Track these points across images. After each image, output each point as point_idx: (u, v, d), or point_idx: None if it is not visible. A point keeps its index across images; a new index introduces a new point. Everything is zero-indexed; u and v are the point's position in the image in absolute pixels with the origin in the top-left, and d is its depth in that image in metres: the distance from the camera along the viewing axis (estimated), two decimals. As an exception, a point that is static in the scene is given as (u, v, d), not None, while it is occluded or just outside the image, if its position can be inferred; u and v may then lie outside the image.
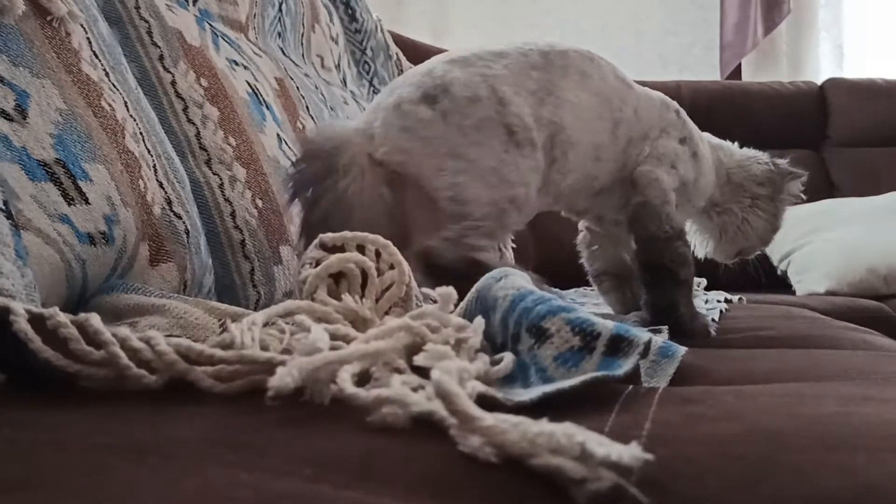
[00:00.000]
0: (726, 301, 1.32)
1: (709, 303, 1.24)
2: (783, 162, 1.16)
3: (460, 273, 0.76)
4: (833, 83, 2.46)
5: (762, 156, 1.17)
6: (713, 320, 0.99)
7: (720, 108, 2.39)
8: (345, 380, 0.34)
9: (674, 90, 2.41)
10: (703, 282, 1.65)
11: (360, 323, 0.47)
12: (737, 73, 2.89)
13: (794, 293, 1.95)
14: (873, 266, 1.86)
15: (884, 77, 2.44)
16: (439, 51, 2.05)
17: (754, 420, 0.35)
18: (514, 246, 1.75)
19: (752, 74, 2.88)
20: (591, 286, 1.48)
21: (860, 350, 0.78)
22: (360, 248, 0.51)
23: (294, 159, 0.85)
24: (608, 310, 1.12)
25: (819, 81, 2.51)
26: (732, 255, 1.17)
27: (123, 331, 0.39)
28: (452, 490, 0.27)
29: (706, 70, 2.90)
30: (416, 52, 1.86)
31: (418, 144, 0.82)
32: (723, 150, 1.15)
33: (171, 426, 0.33)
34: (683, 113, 1.09)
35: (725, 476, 0.29)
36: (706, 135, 1.14)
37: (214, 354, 0.39)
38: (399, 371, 0.39)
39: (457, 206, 0.82)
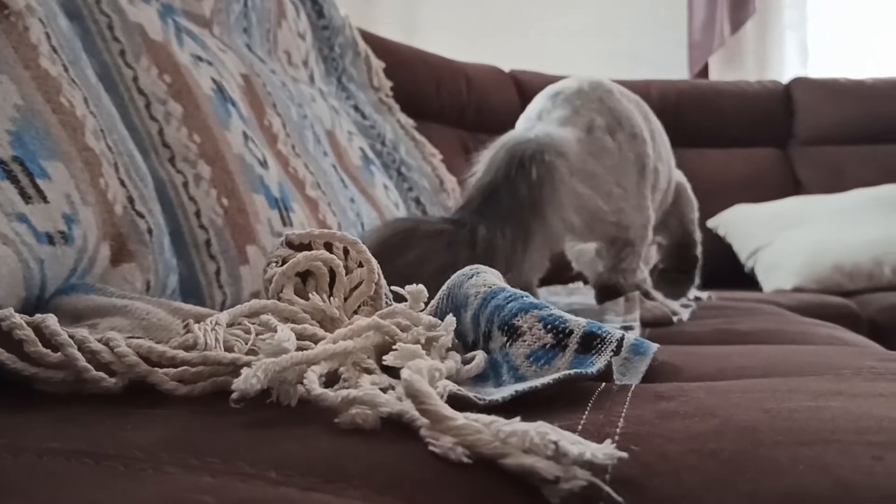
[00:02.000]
0: (696, 299, 1.33)
1: (679, 300, 1.24)
2: None
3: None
4: (799, 82, 2.49)
5: None
6: (682, 319, 1.00)
7: (688, 107, 2.41)
8: (312, 380, 0.33)
9: (643, 89, 2.42)
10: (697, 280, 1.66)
11: (328, 322, 0.46)
12: (704, 71, 2.91)
13: (761, 290, 1.97)
14: (838, 263, 1.89)
15: (848, 76, 2.47)
16: (409, 49, 2.05)
17: (727, 416, 0.35)
18: (485, 244, 1.75)
19: (720, 73, 2.91)
20: (563, 285, 1.50)
21: (828, 345, 0.79)
22: (328, 246, 0.50)
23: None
24: (579, 307, 1.12)
25: (784, 80, 2.54)
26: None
27: (82, 332, 0.38)
28: (423, 491, 0.26)
29: (675, 69, 2.93)
30: (386, 50, 1.85)
31: (601, 170, 0.96)
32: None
33: (132, 430, 0.32)
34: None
35: (700, 473, 0.28)
36: None
37: (177, 356, 0.37)
38: (368, 371, 0.38)
39: (621, 230, 0.98)
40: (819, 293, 1.82)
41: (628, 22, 3.02)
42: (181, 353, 0.38)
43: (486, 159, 0.97)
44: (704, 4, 2.87)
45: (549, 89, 1.09)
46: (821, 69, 2.83)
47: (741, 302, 1.48)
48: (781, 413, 0.35)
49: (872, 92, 2.41)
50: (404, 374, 0.30)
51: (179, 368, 0.38)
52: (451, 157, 1.85)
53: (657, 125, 1.13)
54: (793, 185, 2.35)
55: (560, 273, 1.48)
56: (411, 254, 0.83)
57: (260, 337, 0.41)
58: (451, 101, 2.12)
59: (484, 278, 0.49)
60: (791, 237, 2.01)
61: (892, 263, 1.88)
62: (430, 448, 0.29)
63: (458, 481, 0.27)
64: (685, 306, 1.14)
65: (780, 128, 2.45)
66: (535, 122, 1.02)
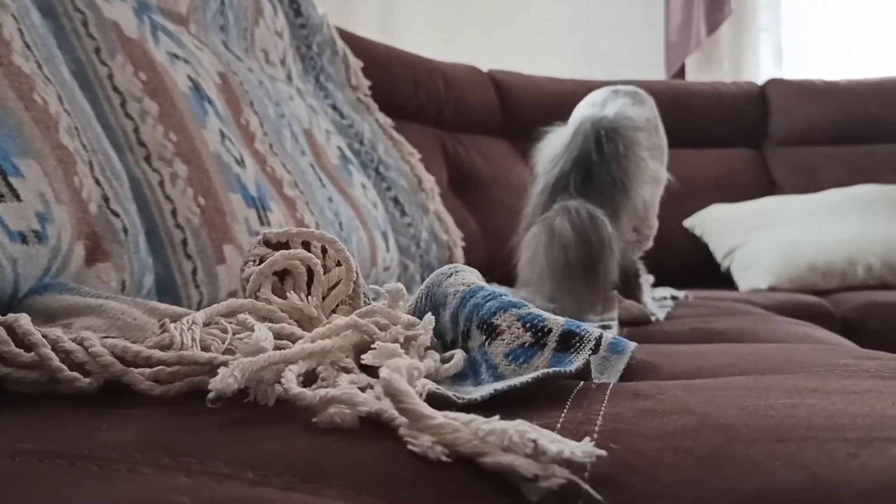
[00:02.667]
0: (672, 298, 1.34)
1: (657, 299, 1.25)
2: None
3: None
4: (774, 83, 2.51)
5: None
6: (659, 318, 1.01)
7: (665, 108, 2.41)
8: (290, 380, 0.33)
9: (619, 89, 2.44)
10: (651, 278, 1.67)
11: (306, 321, 0.46)
12: (681, 72, 2.93)
13: (737, 289, 1.99)
14: (812, 262, 1.91)
15: (822, 77, 2.50)
16: (387, 48, 2.04)
17: (704, 413, 0.35)
18: (465, 244, 1.75)
19: (696, 74, 2.93)
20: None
21: (803, 343, 0.79)
22: (306, 245, 0.49)
23: None
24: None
25: (759, 81, 2.56)
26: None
27: (55, 332, 0.37)
28: (402, 491, 0.26)
29: (651, 70, 2.94)
30: (364, 49, 1.85)
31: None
32: None
33: (106, 430, 0.32)
34: None
35: (677, 470, 0.29)
36: None
37: (152, 356, 0.37)
38: (347, 370, 0.38)
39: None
40: (794, 292, 1.84)
41: (605, 22, 3.03)
42: (157, 353, 0.37)
43: (563, 136, 0.97)
44: (681, 6, 2.89)
45: (607, 88, 1.13)
46: (795, 71, 2.86)
47: (717, 301, 1.50)
48: (757, 410, 0.36)
49: (846, 93, 2.43)
50: (383, 372, 0.30)
51: (155, 368, 0.37)
52: (429, 157, 1.85)
53: None
54: (768, 186, 2.37)
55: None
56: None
57: (237, 336, 0.41)
58: (429, 101, 2.12)
59: (463, 277, 0.49)
60: (766, 237, 2.03)
61: (864, 263, 1.91)
62: (409, 447, 0.29)
63: (437, 480, 0.27)
64: (662, 306, 1.15)
65: (755, 128, 2.47)
66: (601, 107, 1.02)
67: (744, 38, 2.96)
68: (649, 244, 1.10)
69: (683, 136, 2.44)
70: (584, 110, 1.05)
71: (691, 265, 2.12)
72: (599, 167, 0.92)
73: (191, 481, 0.25)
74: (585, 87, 2.41)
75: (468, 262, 1.27)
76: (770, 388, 0.43)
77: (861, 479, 0.26)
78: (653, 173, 0.99)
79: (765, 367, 0.52)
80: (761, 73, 2.87)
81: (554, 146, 0.99)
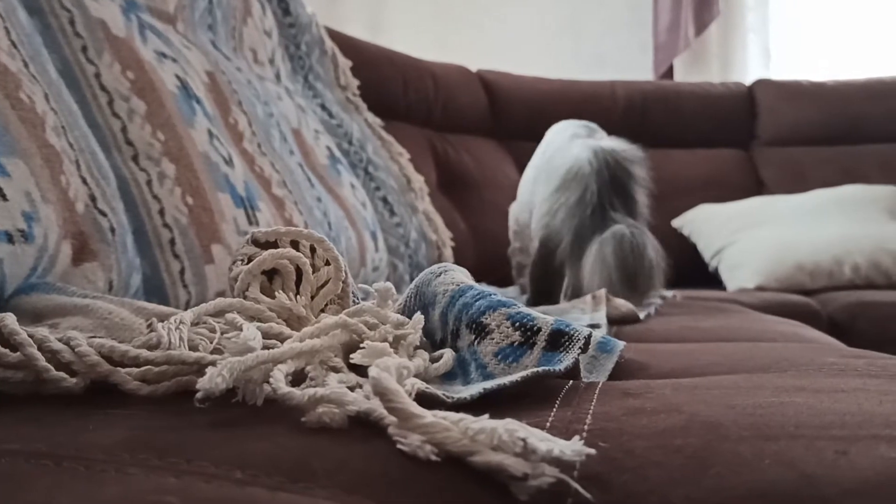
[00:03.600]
0: (661, 297, 1.34)
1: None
2: None
3: None
4: (761, 84, 2.52)
5: None
6: (649, 314, 1.01)
7: (654, 108, 2.44)
8: (278, 379, 0.33)
9: (608, 90, 2.45)
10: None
11: (295, 321, 0.46)
12: (669, 73, 2.94)
13: (725, 289, 1.99)
14: (800, 262, 1.92)
15: (809, 78, 2.51)
16: (376, 48, 2.04)
17: (693, 412, 0.35)
18: (454, 244, 1.75)
19: (684, 75, 2.94)
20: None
21: (791, 342, 0.80)
22: (294, 244, 0.49)
23: None
24: (547, 307, 1.12)
25: (747, 82, 2.57)
26: None
27: (42, 332, 0.37)
28: (391, 490, 0.26)
29: (640, 70, 2.95)
30: (353, 49, 1.84)
31: None
32: None
33: (93, 431, 0.32)
34: None
35: (666, 468, 0.29)
36: None
37: (140, 355, 0.37)
38: (336, 370, 0.38)
39: None
40: (781, 292, 1.85)
41: (594, 23, 3.04)
42: (144, 353, 0.37)
43: (580, 159, 1.12)
44: (669, 7, 2.90)
45: (569, 122, 1.30)
46: (783, 72, 2.87)
47: (706, 301, 1.50)
48: (746, 409, 0.36)
49: (833, 94, 2.45)
50: (372, 371, 0.30)
51: (142, 368, 0.37)
52: (418, 157, 1.84)
53: None
54: (756, 186, 2.38)
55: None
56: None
57: (225, 336, 0.40)
58: (418, 101, 2.11)
59: (452, 276, 0.49)
60: (754, 237, 2.03)
61: (851, 263, 1.92)
62: (399, 446, 0.29)
63: (426, 479, 0.27)
64: (649, 305, 1.15)
65: (743, 129, 2.48)
66: (578, 139, 1.19)
67: (732, 39, 2.97)
68: None
69: (672, 136, 2.46)
70: (578, 140, 1.18)
71: (679, 265, 2.11)
72: (635, 191, 1.11)
73: (179, 481, 0.25)
74: (574, 88, 2.43)
75: (457, 262, 1.26)
76: (758, 386, 0.43)
77: (849, 478, 0.26)
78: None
79: (753, 366, 0.52)
80: (749, 73, 2.88)
81: (568, 165, 1.13)
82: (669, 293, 1.49)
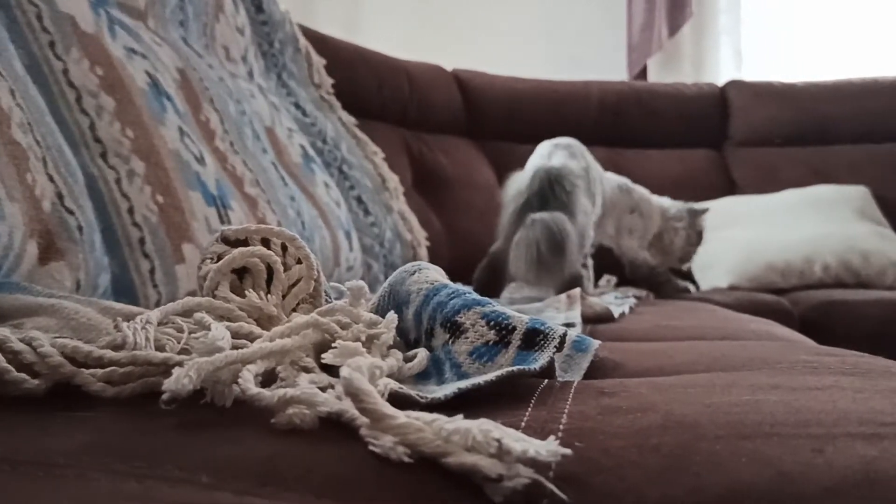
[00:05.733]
0: (635, 297, 1.35)
1: (619, 298, 1.26)
2: (694, 205, 1.70)
3: None
4: (733, 85, 2.54)
5: (679, 203, 1.70)
6: (623, 313, 1.01)
7: (628, 109, 2.45)
8: (247, 380, 0.32)
9: (583, 90, 2.45)
10: (614, 279, 1.68)
11: (266, 320, 0.45)
12: (643, 73, 2.96)
13: (698, 288, 2.00)
14: (771, 261, 1.94)
15: (780, 80, 2.54)
16: (351, 46, 2.03)
17: (669, 411, 0.35)
18: (429, 244, 1.74)
19: (658, 75, 2.95)
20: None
21: (764, 340, 0.80)
22: (266, 242, 0.48)
23: None
24: (522, 306, 1.12)
25: (720, 83, 2.59)
26: (673, 264, 1.71)
27: (2, 332, 0.36)
28: (362, 492, 0.25)
29: (614, 70, 2.96)
30: (327, 47, 1.83)
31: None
32: (659, 203, 1.68)
33: (54, 434, 0.31)
34: (632, 187, 1.63)
35: (643, 468, 0.28)
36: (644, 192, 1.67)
37: (104, 356, 0.36)
38: (307, 370, 0.37)
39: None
40: (753, 291, 1.86)
41: (569, 23, 3.05)
42: (109, 353, 0.36)
43: (524, 178, 1.35)
44: (643, 8, 2.91)
45: (549, 142, 1.49)
46: (754, 73, 2.89)
47: (679, 300, 1.51)
48: (722, 407, 0.36)
49: (803, 95, 2.47)
50: (343, 372, 0.29)
51: (107, 369, 0.36)
52: (393, 156, 1.83)
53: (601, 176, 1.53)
54: (728, 186, 2.40)
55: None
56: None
57: (193, 336, 0.40)
58: (393, 100, 2.10)
59: (426, 275, 0.49)
60: (726, 237, 2.05)
61: (822, 262, 1.94)
62: (371, 448, 0.28)
63: (398, 481, 0.26)
64: (622, 304, 1.15)
65: (715, 129, 2.50)
66: (547, 158, 1.41)
67: (704, 41, 2.99)
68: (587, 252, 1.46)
69: (645, 136, 2.47)
70: (535, 161, 1.41)
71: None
72: (553, 201, 1.29)
73: (140, 486, 0.24)
74: (549, 88, 2.43)
75: (432, 262, 1.26)
76: (733, 384, 0.43)
77: (826, 476, 0.26)
78: (584, 208, 1.36)
79: (728, 364, 0.52)
80: (721, 74, 2.90)
81: (517, 185, 1.35)
82: (643, 293, 1.49)
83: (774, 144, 2.44)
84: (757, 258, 1.93)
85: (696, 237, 1.69)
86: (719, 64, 2.95)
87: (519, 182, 1.35)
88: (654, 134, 2.46)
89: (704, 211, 1.69)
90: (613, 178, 1.61)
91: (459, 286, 0.48)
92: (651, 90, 2.53)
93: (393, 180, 1.71)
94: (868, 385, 0.42)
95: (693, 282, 1.78)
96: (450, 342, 0.43)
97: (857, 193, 2.20)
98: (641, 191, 1.66)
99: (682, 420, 0.33)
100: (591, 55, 3.03)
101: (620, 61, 3.00)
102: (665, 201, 1.69)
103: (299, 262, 0.48)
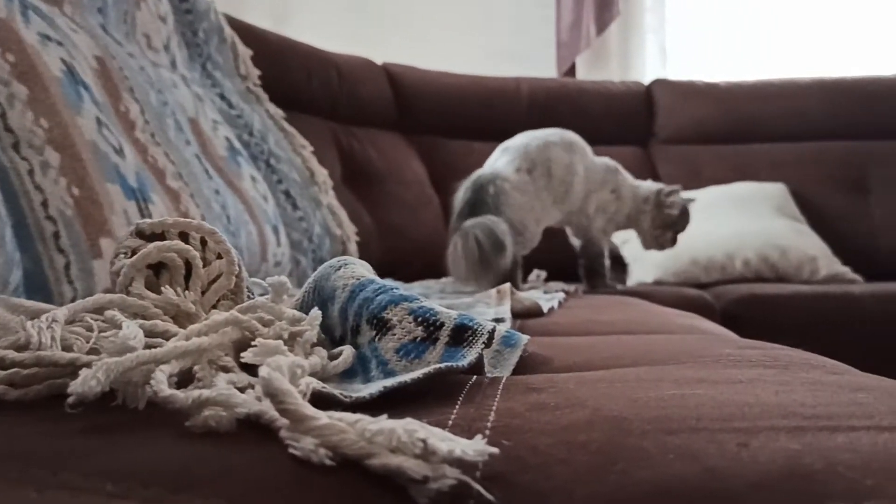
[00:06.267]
0: (564, 291, 1.36)
1: (548, 293, 1.26)
2: (664, 186, 1.68)
3: None
4: (658, 84, 2.59)
5: (655, 185, 1.68)
6: (553, 308, 1.02)
7: (557, 105, 2.47)
8: (160, 381, 0.30)
9: (514, 86, 2.46)
10: (544, 274, 1.69)
11: (184, 318, 0.43)
12: (572, 70, 2.99)
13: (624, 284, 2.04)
14: (695, 257, 1.98)
15: (704, 79, 2.60)
16: (278, 37, 1.99)
17: (597, 406, 0.35)
18: (359, 239, 1.72)
19: (587, 72, 2.99)
20: (436, 280, 1.52)
21: (689, 334, 0.81)
22: (184, 237, 0.46)
23: None
24: (452, 301, 1.12)
25: (646, 81, 2.64)
26: (647, 245, 1.71)
27: None
28: (281, 498, 0.24)
29: (544, 67, 2.99)
30: (254, 37, 1.79)
31: (530, 191, 1.53)
32: (635, 185, 1.68)
33: (-52, 442, 0.28)
34: (618, 168, 1.68)
35: (571, 465, 0.28)
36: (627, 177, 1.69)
37: (6, 357, 0.34)
38: (226, 370, 0.35)
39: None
40: (678, 285, 1.91)
41: (501, 19, 3.06)
42: (11, 354, 0.34)
43: (465, 186, 1.50)
44: (571, 6, 2.95)
45: (507, 142, 1.61)
46: (680, 72, 2.96)
47: (607, 294, 1.53)
48: (649, 402, 0.36)
49: (726, 94, 2.54)
50: (262, 371, 0.28)
51: (10, 371, 0.34)
52: (322, 150, 1.81)
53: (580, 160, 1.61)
54: (654, 183, 2.44)
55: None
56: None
57: (103, 334, 0.37)
58: (322, 93, 2.07)
59: (352, 270, 0.47)
60: (652, 232, 2.09)
61: (742, 257, 2.00)
62: (291, 450, 0.27)
63: (319, 485, 0.25)
64: (552, 299, 1.16)
65: (641, 127, 2.55)
66: (490, 165, 1.56)
67: (631, 39, 3.04)
68: (529, 246, 1.54)
69: (575, 132, 2.50)
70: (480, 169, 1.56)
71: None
72: (482, 206, 1.44)
73: (40, 496, 0.22)
74: (480, 84, 2.44)
75: (362, 257, 1.25)
76: (660, 378, 0.43)
77: (752, 470, 0.26)
78: (521, 204, 1.48)
79: (654, 358, 0.53)
80: (647, 73, 2.96)
81: (458, 194, 1.50)
82: (572, 287, 1.51)
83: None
84: (681, 254, 1.98)
85: (661, 220, 1.65)
86: (645, 62, 3.01)
87: (460, 190, 1.51)
88: (583, 131, 2.46)
89: (673, 192, 1.66)
90: (601, 161, 1.67)
91: (387, 282, 0.47)
92: (580, 87, 2.56)
93: (322, 174, 1.68)
94: (789, 377, 0.43)
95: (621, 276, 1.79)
96: (376, 339, 0.42)
97: (776, 190, 2.28)
98: (625, 174, 1.69)
99: (609, 416, 0.33)
100: (522, 51, 3.05)
101: (551, 58, 3.03)
102: (645, 184, 1.69)
103: (220, 256, 0.47)
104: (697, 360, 0.52)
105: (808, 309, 1.72)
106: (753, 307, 1.72)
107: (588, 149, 1.67)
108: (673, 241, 1.69)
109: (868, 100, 2.48)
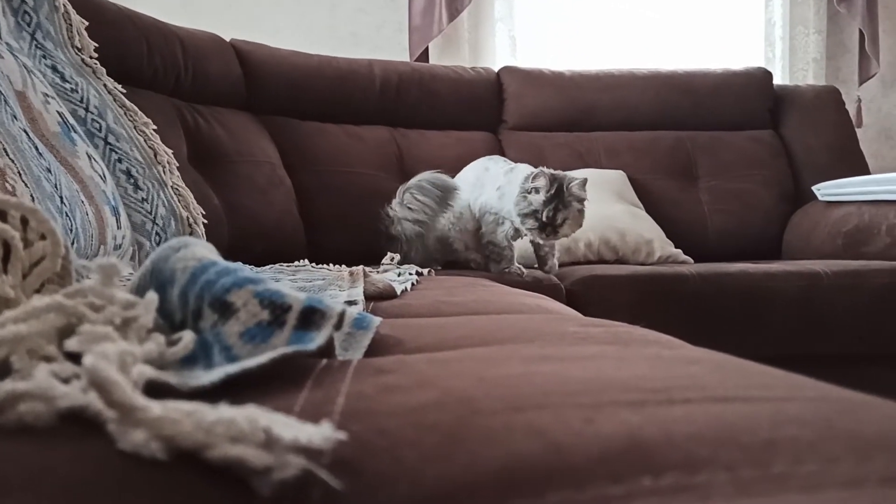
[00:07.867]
0: (417, 274, 1.36)
1: (402, 275, 1.26)
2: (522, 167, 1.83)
3: None
4: (507, 71, 2.64)
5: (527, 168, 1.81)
6: (406, 290, 1.02)
7: (409, 90, 2.47)
8: (-31, 374, 0.27)
9: (366, 68, 2.44)
10: (397, 257, 1.70)
11: (2, 304, 0.39)
12: (425, 55, 3.00)
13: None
14: (539, 239, 2.05)
15: (550, 68, 2.68)
16: (115, 6, 1.87)
17: (446, 387, 0.35)
18: (206, 222, 1.66)
19: (439, 58, 3.00)
20: (288, 263, 1.48)
21: (536, 314, 0.84)
22: (2, 216, 0.42)
23: None
24: (304, 284, 1.09)
25: (496, 68, 2.69)
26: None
27: None
28: (105, 497, 0.22)
29: (397, 51, 2.97)
30: (89, 6, 1.67)
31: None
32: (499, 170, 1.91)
33: None
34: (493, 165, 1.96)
35: (419, 447, 0.27)
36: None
37: None
38: (48, 359, 0.32)
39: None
40: (526, 267, 1.96)
41: (352, 0, 3.02)
42: None
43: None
44: (424, -9, 2.95)
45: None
46: (526, 60, 3.03)
47: (459, 276, 1.55)
48: (497, 380, 0.36)
49: (570, 83, 2.63)
50: (86, 360, 0.26)
51: None
52: (166, 128, 1.72)
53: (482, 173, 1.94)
54: (504, 168, 2.50)
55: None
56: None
57: None
58: (164, 68, 1.97)
59: (193, 251, 0.45)
60: (502, 216, 2.14)
61: (585, 240, 2.10)
62: (119, 445, 0.25)
63: (151, 481, 0.23)
64: (404, 280, 1.16)
65: (492, 113, 2.59)
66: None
67: (482, 27, 3.09)
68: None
69: (427, 117, 2.51)
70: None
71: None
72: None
73: None
74: (332, 65, 2.39)
75: (211, 240, 1.20)
76: (508, 357, 0.44)
77: (595, 445, 0.26)
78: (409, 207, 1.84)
79: (503, 337, 0.53)
80: (497, 60, 3.01)
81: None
82: (425, 270, 1.52)
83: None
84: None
85: (519, 199, 1.74)
86: (496, 50, 3.06)
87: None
88: (436, 115, 2.50)
89: (529, 174, 1.76)
90: (480, 162, 2.00)
91: (231, 264, 0.45)
92: (432, 72, 2.57)
93: (166, 154, 1.60)
94: (629, 353, 0.45)
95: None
96: (219, 323, 0.40)
97: (615, 176, 2.39)
98: (502, 165, 1.91)
99: (458, 395, 0.33)
100: (375, 34, 3.03)
101: (403, 42, 3.02)
102: (520, 167, 1.85)
103: (43, 238, 0.43)
104: (544, 338, 0.53)
105: (644, 288, 1.82)
106: (595, 287, 1.80)
107: None
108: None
109: (696, 93, 2.65)
